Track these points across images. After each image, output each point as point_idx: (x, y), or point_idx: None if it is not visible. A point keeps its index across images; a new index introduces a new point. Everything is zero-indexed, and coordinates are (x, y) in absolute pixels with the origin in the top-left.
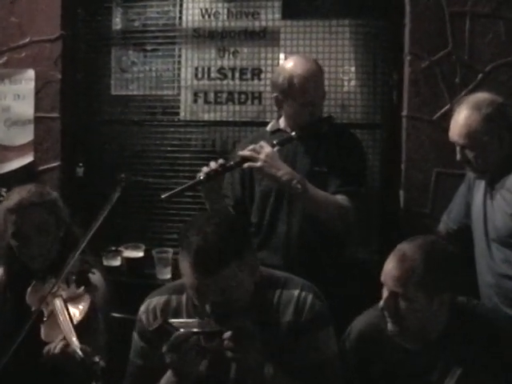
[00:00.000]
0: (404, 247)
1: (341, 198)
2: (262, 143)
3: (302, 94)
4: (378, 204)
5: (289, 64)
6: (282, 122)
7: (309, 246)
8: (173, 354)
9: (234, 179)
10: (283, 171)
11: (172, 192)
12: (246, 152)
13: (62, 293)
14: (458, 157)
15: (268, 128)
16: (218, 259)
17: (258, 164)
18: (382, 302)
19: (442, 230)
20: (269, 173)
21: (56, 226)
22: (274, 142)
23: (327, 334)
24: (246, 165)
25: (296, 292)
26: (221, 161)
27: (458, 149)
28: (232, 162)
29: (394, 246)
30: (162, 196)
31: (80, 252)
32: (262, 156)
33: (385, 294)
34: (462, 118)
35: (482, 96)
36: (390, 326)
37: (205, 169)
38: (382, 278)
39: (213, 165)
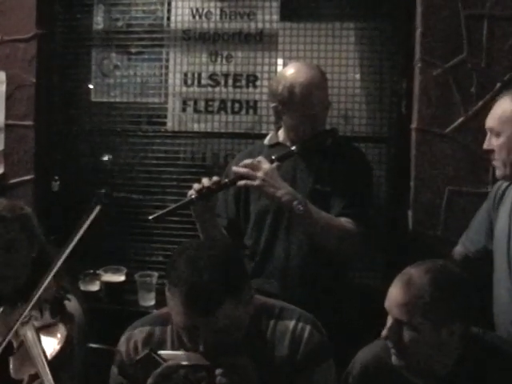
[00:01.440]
0: (410, 271)
1: (346, 221)
2: (260, 159)
3: (303, 104)
4: (385, 225)
5: (289, 71)
6: (281, 135)
7: (309, 272)
8: None
9: (228, 197)
10: (283, 191)
11: (160, 213)
12: (242, 169)
13: (33, 322)
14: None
15: (266, 141)
16: (213, 299)
17: (256, 182)
18: (385, 331)
19: (459, 253)
20: (267, 192)
21: (28, 244)
22: (273, 158)
23: (327, 369)
24: (241, 182)
25: (292, 323)
26: (215, 178)
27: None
28: (227, 180)
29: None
30: (150, 217)
31: (54, 275)
32: (259, 173)
33: (389, 322)
34: (502, 107)
35: None
36: (394, 358)
37: (196, 186)
38: (386, 305)
39: (205, 182)
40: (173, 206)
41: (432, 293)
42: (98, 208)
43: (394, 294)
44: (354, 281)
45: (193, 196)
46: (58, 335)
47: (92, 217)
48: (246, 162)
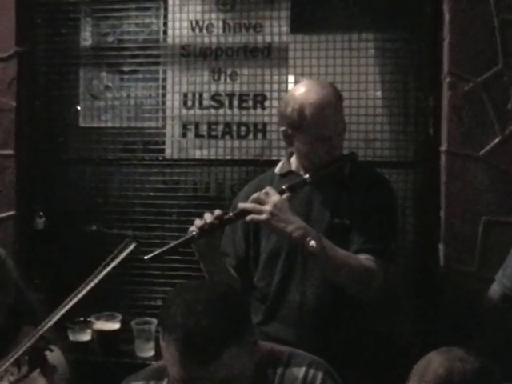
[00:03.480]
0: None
1: (366, 259)
2: (269, 190)
3: (315, 127)
4: (413, 261)
5: (299, 90)
6: (293, 163)
7: (327, 318)
8: None
9: (236, 233)
10: (294, 226)
11: (157, 252)
12: (248, 204)
13: (10, 378)
14: None
15: (277, 170)
16: (211, 347)
17: (263, 217)
18: None
19: (495, 291)
20: (276, 227)
21: (1, 292)
22: (284, 188)
23: None
24: (248, 217)
25: (302, 370)
26: (217, 212)
27: None
28: (231, 214)
29: (432, 315)
30: (145, 257)
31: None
32: (267, 207)
33: None
34: None
35: None
36: None
37: (198, 222)
38: None
39: (208, 217)
40: (171, 244)
41: None
42: (133, 245)
43: None
44: (379, 327)
45: (194, 233)
46: None
47: (125, 253)
48: (253, 197)
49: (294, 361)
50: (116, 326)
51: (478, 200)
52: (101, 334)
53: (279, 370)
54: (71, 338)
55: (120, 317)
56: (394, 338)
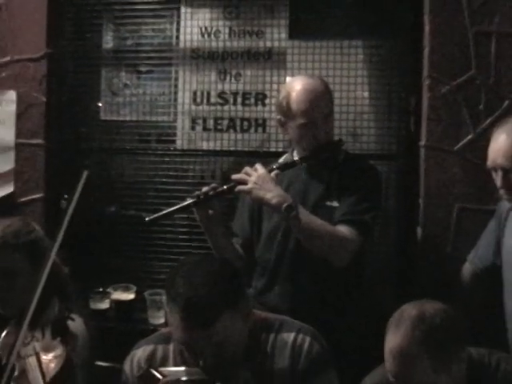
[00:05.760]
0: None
1: (343, 228)
2: (257, 165)
3: (300, 112)
4: (395, 242)
5: (289, 82)
6: (295, 155)
7: (319, 288)
8: None
9: (243, 218)
10: (273, 193)
11: (157, 215)
12: (237, 175)
13: (35, 344)
14: (499, 183)
15: (281, 160)
16: (209, 313)
17: (248, 186)
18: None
19: (467, 270)
20: (257, 195)
21: (32, 269)
22: (274, 166)
23: (328, 381)
24: (236, 189)
25: (292, 335)
26: (213, 184)
27: (499, 174)
28: (225, 186)
29: (410, 290)
30: (146, 219)
31: (60, 296)
32: (252, 178)
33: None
34: (509, 139)
35: None
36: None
37: (196, 193)
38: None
39: (205, 188)
40: (169, 209)
41: None
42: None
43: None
44: (364, 297)
45: (190, 201)
46: (58, 357)
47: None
48: (243, 170)
49: (285, 327)
50: (131, 296)
51: (452, 189)
52: (117, 304)
53: (271, 336)
54: (92, 306)
55: (135, 288)
56: (375, 308)
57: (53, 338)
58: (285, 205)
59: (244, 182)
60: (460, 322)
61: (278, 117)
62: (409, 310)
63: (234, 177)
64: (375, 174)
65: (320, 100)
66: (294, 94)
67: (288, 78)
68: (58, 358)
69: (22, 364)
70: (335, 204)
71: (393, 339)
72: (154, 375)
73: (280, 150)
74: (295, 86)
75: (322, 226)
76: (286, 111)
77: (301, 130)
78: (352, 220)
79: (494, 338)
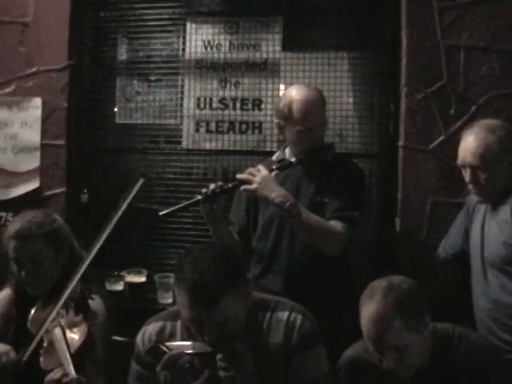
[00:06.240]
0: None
1: (334, 223)
2: (260, 166)
3: (300, 120)
4: (375, 231)
5: (290, 91)
6: (287, 152)
7: (310, 272)
8: (166, 373)
9: (240, 208)
10: (277, 193)
11: (170, 209)
12: (242, 175)
13: (60, 319)
14: (468, 179)
15: (274, 158)
16: (213, 294)
17: (253, 186)
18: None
19: (440, 255)
20: (262, 195)
21: (55, 255)
22: (274, 167)
23: (317, 354)
24: (242, 187)
25: (285, 314)
26: (219, 183)
27: (468, 171)
28: (230, 185)
29: (390, 274)
30: (160, 213)
31: (81, 278)
32: (257, 178)
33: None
34: (477, 140)
35: (492, 121)
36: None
37: (204, 190)
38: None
39: (211, 186)
40: (181, 204)
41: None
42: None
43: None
44: (350, 281)
45: (199, 197)
46: (81, 331)
47: (135, 190)
48: (247, 170)
49: (280, 307)
50: (143, 279)
51: (426, 184)
52: (131, 285)
53: (267, 314)
54: (107, 288)
55: (146, 272)
56: (358, 290)
57: (76, 314)
58: (287, 204)
59: (249, 182)
60: (421, 290)
61: (277, 121)
62: (378, 283)
63: (239, 176)
64: (360, 174)
65: (318, 110)
66: (295, 103)
67: (282, 87)
68: (81, 333)
69: (49, 337)
70: (326, 200)
71: (369, 308)
72: (161, 349)
73: (274, 149)
74: (297, 95)
75: (318, 222)
76: (286, 117)
77: (299, 135)
78: (343, 216)
79: (463, 316)
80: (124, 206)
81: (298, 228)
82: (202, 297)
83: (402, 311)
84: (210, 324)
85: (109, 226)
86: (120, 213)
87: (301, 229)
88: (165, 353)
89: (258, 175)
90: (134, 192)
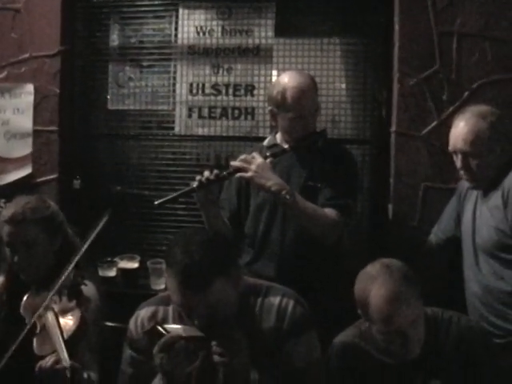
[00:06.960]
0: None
1: (329, 211)
2: (254, 154)
3: (293, 106)
4: (368, 217)
5: (283, 78)
6: (278, 137)
7: (302, 257)
8: (163, 356)
9: (231, 193)
10: (273, 181)
11: (165, 198)
12: (237, 162)
13: (53, 306)
14: (459, 165)
15: (265, 143)
16: (203, 278)
17: (249, 174)
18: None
19: (432, 241)
20: (259, 183)
21: (49, 241)
22: (267, 154)
23: (309, 339)
24: (237, 175)
25: (277, 299)
26: (215, 171)
27: (459, 157)
28: (225, 172)
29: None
30: (156, 202)
31: (74, 265)
32: (252, 166)
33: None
34: (467, 126)
35: (484, 107)
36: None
37: (198, 177)
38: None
39: (206, 173)
40: (176, 193)
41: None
42: (107, 215)
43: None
44: (342, 266)
45: (194, 185)
46: (74, 317)
47: (102, 223)
48: (241, 157)
49: (272, 292)
50: (135, 265)
51: (419, 170)
52: (123, 271)
53: (259, 299)
54: (100, 274)
55: (138, 258)
56: (351, 275)
57: (69, 300)
58: (284, 192)
59: (244, 170)
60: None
61: (270, 107)
62: (375, 266)
63: (234, 163)
64: (352, 159)
65: (311, 97)
66: (289, 90)
67: (275, 73)
68: (75, 318)
69: (42, 322)
70: (318, 184)
71: (380, 289)
72: (159, 331)
73: (267, 135)
74: (290, 82)
75: (313, 210)
76: (279, 104)
77: (292, 122)
78: (338, 204)
79: (455, 301)
80: (91, 238)
81: (294, 216)
82: (192, 280)
83: (409, 282)
84: (200, 308)
85: (76, 257)
86: (86, 245)
87: (298, 217)
88: (162, 335)
89: (254, 163)
90: (100, 225)
